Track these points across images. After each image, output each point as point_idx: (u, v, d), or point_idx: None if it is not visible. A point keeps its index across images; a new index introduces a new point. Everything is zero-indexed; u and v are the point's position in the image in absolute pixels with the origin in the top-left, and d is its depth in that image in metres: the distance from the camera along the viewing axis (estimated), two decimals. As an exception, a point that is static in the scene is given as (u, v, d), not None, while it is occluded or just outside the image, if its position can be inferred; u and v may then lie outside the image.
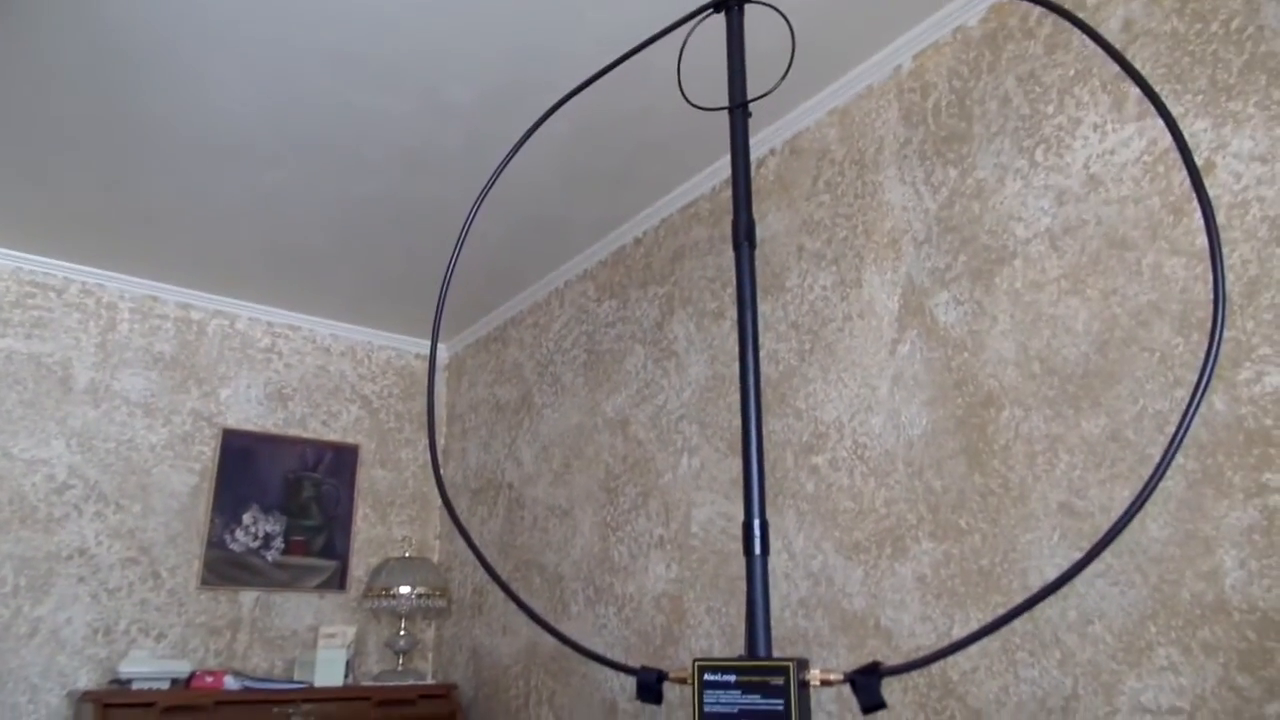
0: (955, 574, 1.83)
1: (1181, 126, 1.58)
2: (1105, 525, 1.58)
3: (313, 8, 2.07)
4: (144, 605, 3.31)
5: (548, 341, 3.51)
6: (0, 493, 3.14)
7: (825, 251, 2.32)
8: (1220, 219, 1.52)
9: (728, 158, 1.07)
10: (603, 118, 2.48)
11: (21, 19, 2.08)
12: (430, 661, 3.88)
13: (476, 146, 2.63)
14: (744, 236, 0.96)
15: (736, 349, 2.15)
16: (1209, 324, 1.49)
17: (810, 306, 2.32)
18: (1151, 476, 0.69)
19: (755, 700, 0.76)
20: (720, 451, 2.51)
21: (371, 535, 3.92)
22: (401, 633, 3.63)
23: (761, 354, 2.17)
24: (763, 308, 2.44)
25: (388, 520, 3.99)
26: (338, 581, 3.76)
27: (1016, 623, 1.68)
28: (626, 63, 1.21)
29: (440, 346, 4.32)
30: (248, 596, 3.54)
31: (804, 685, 0.77)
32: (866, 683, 0.76)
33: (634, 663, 2.62)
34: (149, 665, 3.07)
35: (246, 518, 3.61)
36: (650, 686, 0.86)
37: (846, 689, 1.02)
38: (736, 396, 2.48)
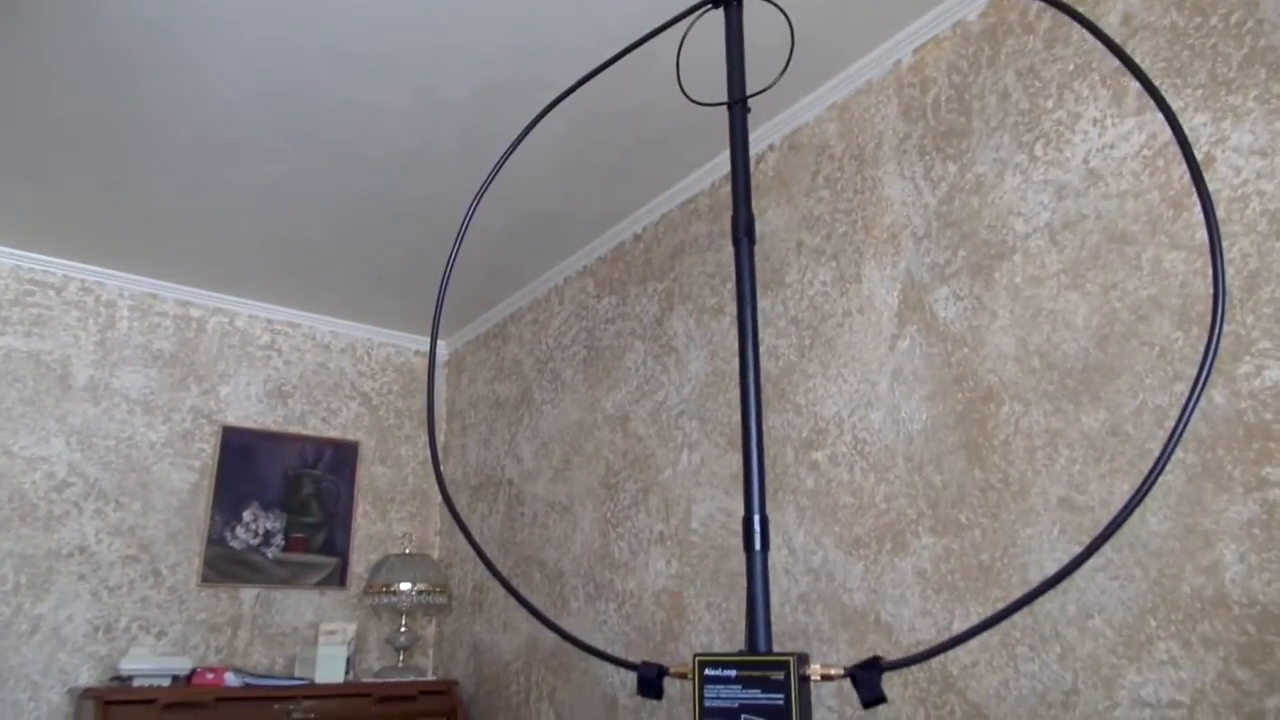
0: (955, 569, 1.83)
1: (1181, 121, 1.58)
2: (1105, 520, 1.59)
3: (311, 4, 2.06)
4: (144, 602, 3.31)
5: (547, 338, 3.50)
6: (0, 490, 3.14)
7: (825, 247, 2.31)
8: (1220, 213, 1.52)
9: (727, 153, 1.07)
10: (602, 113, 2.48)
11: (21, 17, 2.08)
12: (431, 658, 3.88)
13: (475, 143, 2.62)
14: (743, 232, 0.96)
15: (736, 345, 2.15)
16: (1209, 318, 1.49)
17: (810, 302, 2.32)
18: (1151, 471, 0.69)
19: (756, 695, 0.76)
20: (720, 447, 2.51)
21: (372, 532, 3.92)
22: (402, 629, 3.63)
23: (761, 350, 2.17)
24: (762, 303, 2.44)
25: (388, 517, 3.99)
26: (338, 578, 3.77)
27: (1016, 617, 1.69)
28: (625, 58, 1.21)
29: (440, 343, 4.32)
30: (248, 593, 3.54)
31: (804, 680, 0.77)
32: (867, 677, 0.76)
33: (634, 659, 2.62)
34: (150, 662, 3.07)
35: (247, 515, 3.62)
36: (651, 682, 0.86)
37: (847, 684, 1.02)
38: (736, 392, 2.49)
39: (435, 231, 3.16)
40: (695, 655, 0.80)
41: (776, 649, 0.81)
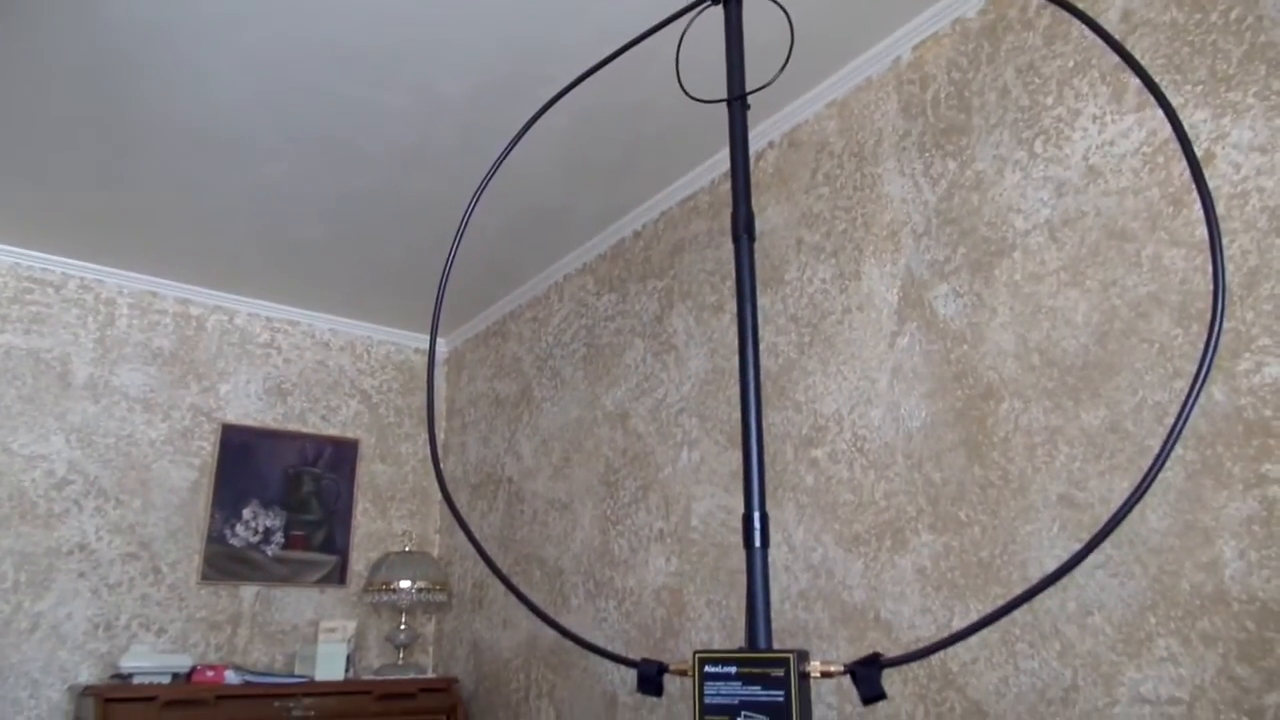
0: (955, 566, 1.83)
1: (1181, 117, 1.58)
2: (1105, 516, 1.59)
3: (309, 1, 2.06)
4: (144, 600, 3.32)
5: (547, 335, 3.50)
6: (0, 488, 3.14)
7: (824, 244, 2.31)
8: (1220, 210, 1.52)
9: (727, 150, 1.07)
10: (601, 110, 2.47)
11: (21, 17, 2.08)
12: (431, 655, 3.89)
13: (474, 140, 2.62)
14: (743, 229, 0.96)
15: (736, 342, 2.15)
16: (1208, 315, 1.49)
17: (809, 299, 2.32)
18: (1151, 467, 0.69)
19: (756, 692, 0.76)
20: (720, 445, 2.51)
21: (371, 530, 3.92)
22: (402, 627, 3.64)
23: (761, 347, 2.17)
24: (762, 301, 2.44)
25: (388, 515, 3.99)
26: (338, 576, 3.77)
27: (1016, 614, 1.69)
28: (625, 55, 1.21)
29: (439, 341, 4.32)
30: (248, 591, 3.55)
31: (804, 677, 0.77)
32: (867, 674, 0.76)
33: (634, 656, 2.62)
34: (150, 660, 3.07)
35: (246, 513, 3.62)
36: (651, 679, 0.86)
37: (847, 680, 1.02)
38: (736, 390, 2.49)
39: (435, 229, 3.16)
40: (695, 652, 0.80)
41: (776, 646, 0.81)
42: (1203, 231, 1.54)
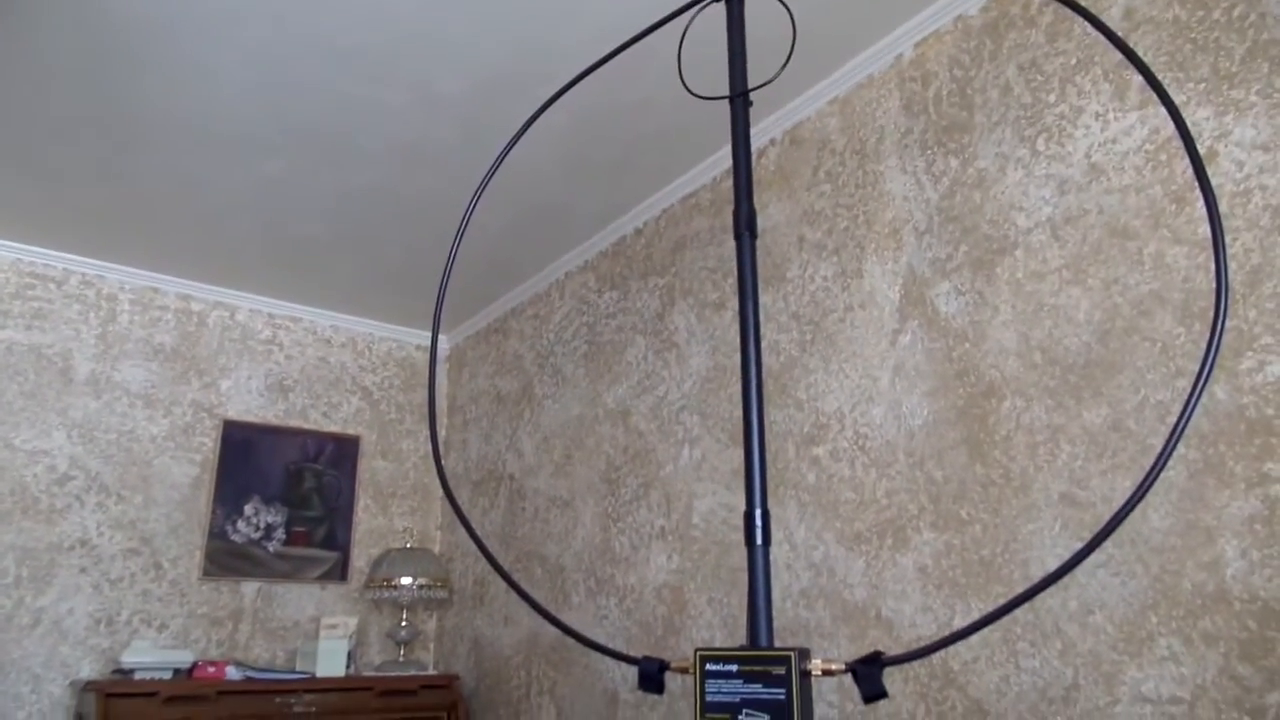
0: (956, 564, 1.83)
1: (1184, 115, 1.57)
2: (1106, 515, 1.58)
3: (311, -3, 2.06)
4: (146, 596, 3.32)
5: (548, 333, 3.50)
6: (2, 484, 3.14)
7: (826, 242, 2.31)
8: (1222, 207, 1.51)
9: (728, 148, 1.07)
10: (603, 108, 2.47)
11: (21, 16, 2.08)
12: (432, 652, 3.89)
13: (474, 137, 2.62)
14: (745, 227, 0.96)
15: (738, 340, 2.15)
16: (1211, 313, 1.49)
17: (811, 297, 2.32)
18: (1153, 466, 0.69)
19: (757, 690, 0.76)
20: (721, 442, 2.51)
21: (373, 526, 3.93)
22: (403, 623, 3.64)
23: (763, 345, 2.17)
24: (764, 298, 2.43)
25: (389, 511, 3.99)
26: (339, 572, 3.77)
27: (1017, 613, 1.69)
28: (626, 52, 1.21)
29: (441, 338, 4.32)
30: (249, 587, 3.55)
31: (805, 675, 0.77)
32: (868, 672, 0.76)
33: (635, 653, 2.63)
34: (151, 655, 3.07)
35: (248, 509, 3.62)
36: (652, 676, 0.86)
37: (848, 679, 1.02)
38: (737, 387, 2.48)
39: (435, 226, 3.16)
40: (696, 650, 0.80)
41: (777, 644, 0.81)
42: (1205, 229, 1.53)
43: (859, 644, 2.00)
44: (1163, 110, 1.63)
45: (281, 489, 3.72)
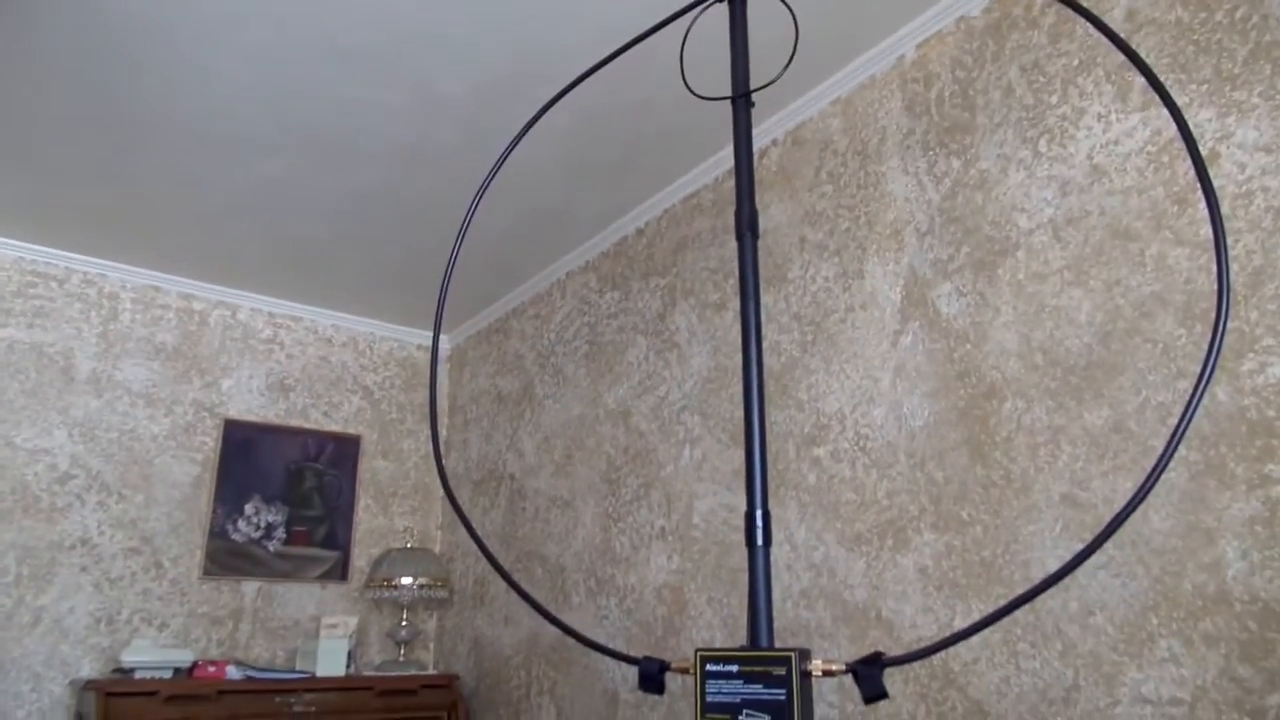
0: (957, 565, 1.83)
1: (1186, 116, 1.57)
2: (1107, 517, 1.58)
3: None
4: (146, 595, 3.32)
5: (549, 333, 3.50)
6: (3, 482, 3.14)
7: (828, 242, 2.31)
8: (1224, 209, 1.51)
9: (730, 148, 1.07)
10: (604, 108, 2.47)
11: (21, 15, 2.08)
12: (432, 652, 3.89)
13: (476, 139, 2.62)
14: (747, 227, 0.96)
15: (739, 340, 2.15)
16: (1212, 315, 1.49)
17: (812, 298, 2.32)
18: (1154, 468, 0.69)
19: (757, 690, 0.76)
20: (722, 443, 2.51)
21: (373, 526, 3.93)
22: (403, 623, 3.64)
23: (764, 345, 2.17)
24: (765, 299, 2.43)
25: (389, 511, 4.00)
26: (339, 572, 3.77)
27: (1018, 614, 1.69)
28: (628, 53, 1.21)
29: (442, 337, 4.32)
30: (250, 586, 3.55)
31: (806, 675, 0.77)
32: (868, 673, 0.76)
33: (635, 653, 2.63)
34: (151, 654, 3.08)
35: (248, 508, 3.62)
36: (652, 676, 0.86)
37: (848, 679, 1.03)
38: (738, 388, 2.48)
39: (436, 227, 3.16)
40: (697, 650, 0.80)
41: (778, 644, 0.81)
42: (1207, 231, 1.53)
43: (859, 644, 2.00)
44: (1165, 112, 1.63)
45: (282, 488, 3.72)
